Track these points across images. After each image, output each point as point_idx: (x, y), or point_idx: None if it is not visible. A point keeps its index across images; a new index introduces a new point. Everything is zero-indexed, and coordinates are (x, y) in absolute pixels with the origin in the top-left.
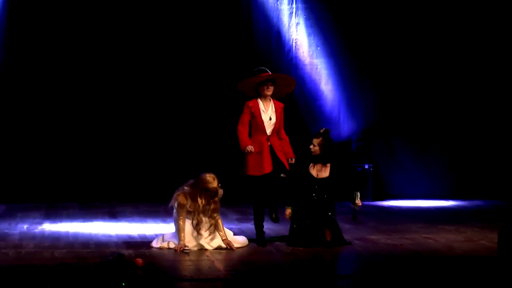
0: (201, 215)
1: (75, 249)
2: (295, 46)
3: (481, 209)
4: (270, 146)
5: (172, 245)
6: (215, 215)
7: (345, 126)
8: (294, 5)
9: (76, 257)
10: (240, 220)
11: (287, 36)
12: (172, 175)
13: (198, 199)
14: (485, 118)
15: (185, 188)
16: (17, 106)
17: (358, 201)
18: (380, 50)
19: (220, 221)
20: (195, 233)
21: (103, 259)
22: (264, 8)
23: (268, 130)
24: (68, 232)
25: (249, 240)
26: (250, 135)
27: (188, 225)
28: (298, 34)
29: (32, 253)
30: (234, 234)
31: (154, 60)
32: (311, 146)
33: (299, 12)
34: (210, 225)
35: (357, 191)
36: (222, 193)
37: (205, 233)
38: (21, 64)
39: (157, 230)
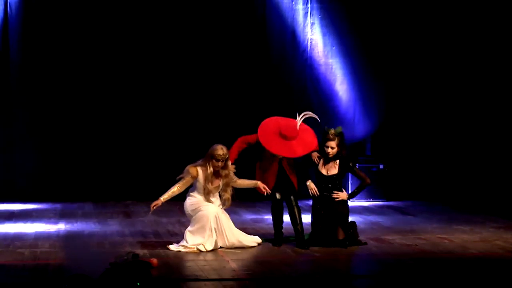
0: (210, 184)
1: (90, 248)
2: (310, 46)
3: (496, 210)
4: (280, 167)
5: (202, 248)
6: (228, 189)
7: (360, 126)
8: (309, 5)
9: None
10: (254, 220)
11: (302, 36)
12: None
13: (207, 166)
14: (507, 116)
15: (198, 162)
16: (31, 107)
17: None
18: (396, 50)
19: (237, 182)
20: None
21: (118, 259)
22: (279, 8)
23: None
24: (83, 232)
25: (266, 240)
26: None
27: (204, 217)
28: (313, 34)
29: (48, 253)
30: (249, 234)
31: (168, 59)
32: (329, 150)
33: (314, 12)
34: (224, 200)
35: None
36: (234, 169)
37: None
38: (35, 65)
39: (172, 230)
